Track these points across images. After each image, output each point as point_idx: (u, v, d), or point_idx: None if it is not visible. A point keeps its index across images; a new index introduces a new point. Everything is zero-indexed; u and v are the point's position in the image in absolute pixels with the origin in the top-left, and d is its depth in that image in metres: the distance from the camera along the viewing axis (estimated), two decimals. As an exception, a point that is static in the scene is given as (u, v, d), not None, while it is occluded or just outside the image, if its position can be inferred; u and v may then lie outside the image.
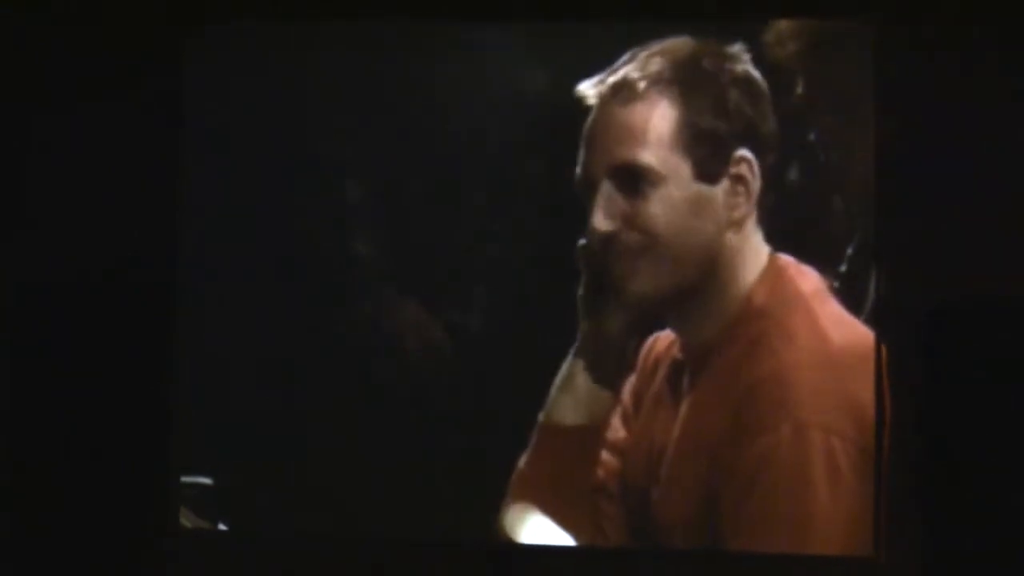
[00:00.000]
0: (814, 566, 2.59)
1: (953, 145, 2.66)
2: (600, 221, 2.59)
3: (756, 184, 2.60)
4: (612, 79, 2.61)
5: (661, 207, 2.58)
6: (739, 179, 2.59)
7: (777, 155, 2.62)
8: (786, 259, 2.61)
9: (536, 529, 2.70)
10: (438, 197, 2.78)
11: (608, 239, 2.59)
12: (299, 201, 2.82)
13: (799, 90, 2.65)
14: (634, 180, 2.59)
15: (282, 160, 2.82)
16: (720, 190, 2.59)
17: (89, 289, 2.82)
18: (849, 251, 2.65)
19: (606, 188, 2.59)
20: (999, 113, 2.66)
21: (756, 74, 2.62)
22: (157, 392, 2.81)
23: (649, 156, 2.58)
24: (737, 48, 2.63)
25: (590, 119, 2.63)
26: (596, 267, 2.61)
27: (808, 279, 2.60)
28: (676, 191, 2.58)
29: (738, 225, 2.59)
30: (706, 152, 2.58)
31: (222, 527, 2.81)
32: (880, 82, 2.66)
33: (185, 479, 2.80)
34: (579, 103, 2.64)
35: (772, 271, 2.59)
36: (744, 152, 2.59)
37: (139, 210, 2.84)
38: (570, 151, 2.68)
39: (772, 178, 2.62)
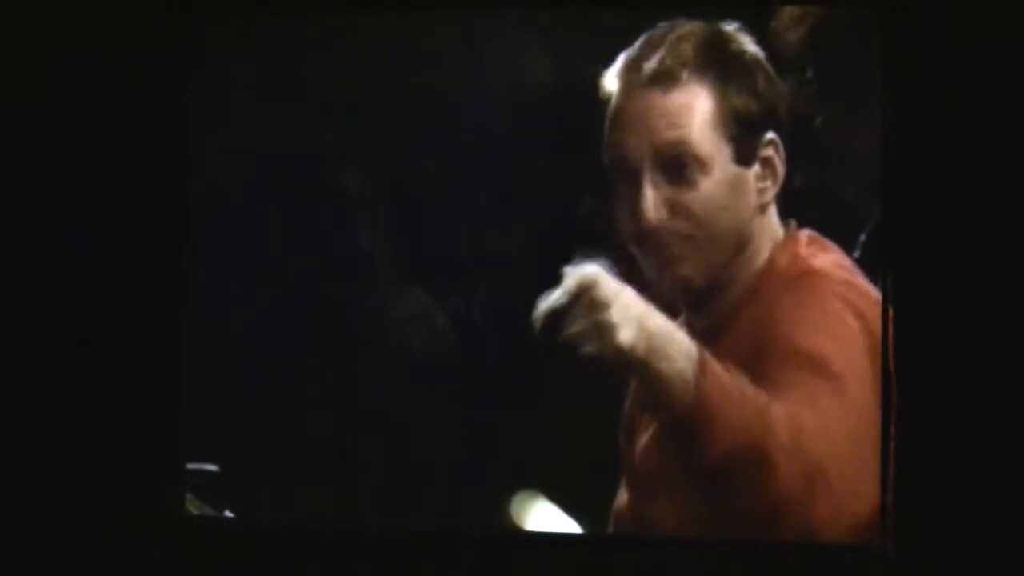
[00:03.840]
0: (819, 555, 2.58)
1: (961, 131, 2.63)
2: (651, 209, 2.56)
3: (782, 167, 2.59)
4: (648, 65, 2.58)
5: (707, 193, 2.57)
6: (767, 162, 2.58)
7: (791, 138, 2.62)
8: (807, 232, 2.60)
9: (542, 517, 2.71)
10: (442, 187, 2.78)
11: (657, 228, 2.57)
12: (303, 192, 2.82)
13: (806, 76, 2.64)
14: (681, 167, 2.57)
15: (285, 152, 2.82)
16: (752, 173, 2.58)
17: (96, 278, 2.84)
18: (863, 238, 2.63)
19: (650, 176, 2.57)
20: (1008, 100, 2.63)
21: (763, 55, 2.62)
22: (163, 379, 2.82)
23: (697, 142, 2.57)
24: (744, 31, 2.62)
25: (619, 105, 2.61)
26: (645, 253, 2.59)
27: (830, 252, 2.60)
28: (720, 176, 2.57)
29: (764, 208, 2.59)
30: (742, 136, 2.58)
31: (228, 514, 2.82)
32: (887, 67, 2.64)
33: (191, 466, 2.81)
34: (594, 90, 2.63)
35: (790, 243, 2.59)
36: (772, 135, 2.59)
37: (145, 204, 2.85)
38: (575, 139, 2.67)
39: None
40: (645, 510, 2.63)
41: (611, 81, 2.62)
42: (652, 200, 2.57)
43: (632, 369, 2.45)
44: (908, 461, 2.54)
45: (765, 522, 2.51)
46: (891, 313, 2.57)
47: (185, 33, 2.86)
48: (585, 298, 2.37)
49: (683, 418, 2.41)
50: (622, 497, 2.65)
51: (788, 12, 2.67)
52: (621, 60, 2.62)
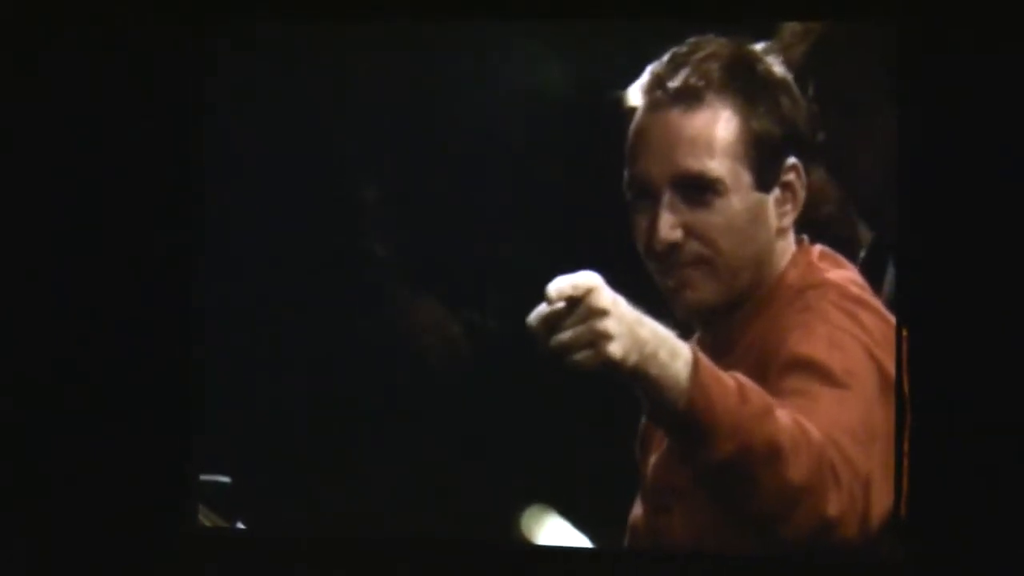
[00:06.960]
0: (832, 566, 2.58)
1: (972, 143, 2.65)
2: (666, 231, 2.56)
3: (803, 191, 2.59)
4: (672, 84, 2.57)
5: (724, 218, 2.56)
6: (788, 186, 2.58)
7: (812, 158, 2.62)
8: (820, 248, 2.61)
9: (554, 530, 2.71)
10: (456, 196, 2.79)
11: (671, 248, 2.57)
12: (317, 201, 2.82)
13: (809, 92, 2.64)
14: (699, 190, 2.56)
15: (299, 161, 2.83)
16: (772, 198, 2.58)
17: (109, 287, 2.83)
18: (862, 254, 2.65)
19: (668, 197, 2.57)
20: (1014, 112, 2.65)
21: (790, 76, 2.61)
22: (176, 390, 2.82)
23: (717, 167, 2.55)
24: (771, 51, 2.61)
25: (642, 123, 2.59)
26: (660, 272, 2.59)
27: (843, 268, 2.60)
28: (738, 202, 2.56)
29: (783, 232, 2.59)
30: (764, 161, 2.57)
31: (240, 526, 2.82)
32: (898, 82, 2.66)
33: (204, 477, 2.82)
34: (608, 101, 2.62)
35: (802, 258, 2.59)
36: (794, 160, 2.58)
37: (157, 211, 2.85)
38: (588, 150, 2.69)
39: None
40: (659, 523, 2.63)
41: (634, 96, 2.60)
42: (668, 221, 2.56)
43: (624, 378, 2.37)
44: (921, 476, 2.57)
45: (782, 520, 2.46)
46: (904, 332, 2.59)
47: (197, 41, 2.86)
48: (582, 304, 2.31)
49: (684, 420, 2.36)
50: (637, 510, 2.66)
51: (790, 29, 2.66)
52: (646, 75, 2.60)
